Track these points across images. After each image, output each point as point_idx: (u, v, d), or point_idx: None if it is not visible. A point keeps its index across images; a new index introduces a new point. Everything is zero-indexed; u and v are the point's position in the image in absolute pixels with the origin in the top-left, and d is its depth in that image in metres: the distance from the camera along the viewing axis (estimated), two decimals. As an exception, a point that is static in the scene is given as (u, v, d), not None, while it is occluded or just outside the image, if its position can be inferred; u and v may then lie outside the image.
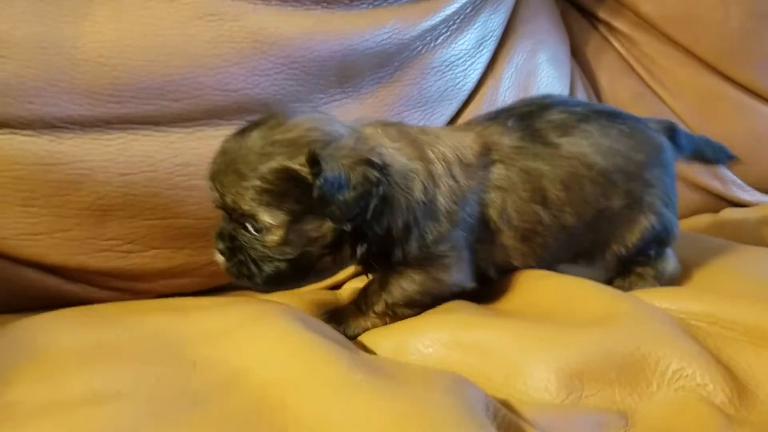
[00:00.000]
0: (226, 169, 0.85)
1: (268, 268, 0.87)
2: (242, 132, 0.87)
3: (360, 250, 0.92)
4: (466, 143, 0.99)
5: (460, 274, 0.96)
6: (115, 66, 1.02)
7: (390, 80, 1.29)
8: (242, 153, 0.84)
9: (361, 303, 0.97)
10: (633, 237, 1.05)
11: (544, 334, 0.85)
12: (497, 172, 0.98)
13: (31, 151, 0.97)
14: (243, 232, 0.87)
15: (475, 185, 0.96)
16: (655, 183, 1.06)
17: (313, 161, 0.82)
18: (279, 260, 0.87)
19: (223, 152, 0.87)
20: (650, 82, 1.72)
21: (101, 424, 0.60)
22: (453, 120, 1.39)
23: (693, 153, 1.21)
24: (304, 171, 0.83)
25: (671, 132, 1.16)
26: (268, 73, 1.14)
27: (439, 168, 0.94)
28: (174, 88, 1.07)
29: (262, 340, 0.78)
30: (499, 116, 1.07)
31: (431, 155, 0.94)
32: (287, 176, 0.83)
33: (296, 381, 0.68)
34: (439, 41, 1.35)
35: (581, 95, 1.68)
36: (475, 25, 1.42)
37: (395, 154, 0.91)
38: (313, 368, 0.70)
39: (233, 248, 0.88)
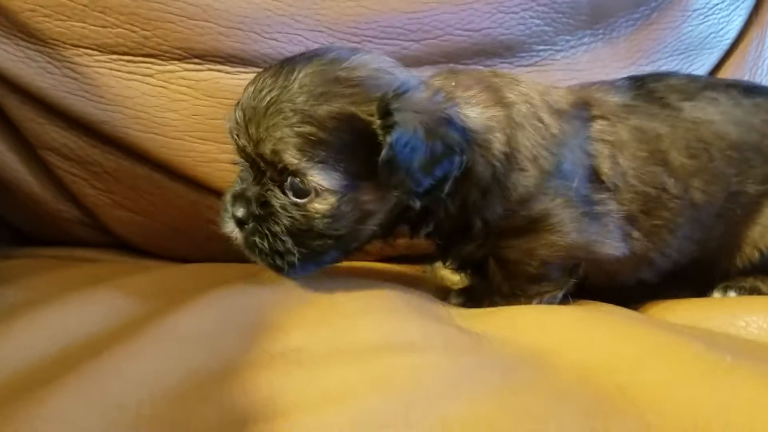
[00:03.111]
0: (265, 110, 0.64)
1: (306, 246, 0.66)
2: (283, 66, 0.66)
3: (424, 231, 0.73)
4: (557, 93, 0.79)
5: (583, 234, 0.74)
6: (359, 1, 0.93)
7: (646, 22, 1.11)
8: (290, 91, 0.64)
9: (489, 281, 0.78)
10: None
11: None
12: (599, 127, 0.77)
13: (273, 91, 0.91)
14: (278, 194, 0.66)
15: (570, 132, 0.75)
16: None
17: (386, 112, 0.63)
18: (324, 237, 0.66)
19: (258, 90, 0.65)
20: None
21: (408, 375, 0.49)
22: (713, 73, 1.18)
23: None
24: (374, 122, 0.63)
25: None
26: (515, 11, 1.01)
27: (522, 108, 0.74)
28: (416, 26, 0.97)
29: (551, 320, 0.65)
30: (605, 82, 0.86)
31: (511, 97, 0.74)
32: (350, 126, 0.63)
33: (630, 363, 0.54)
34: (703, -23, 1.15)
35: None
36: (741, -38, 1.20)
37: (470, 105, 0.72)
38: (653, 350, 0.55)
39: (258, 216, 0.67)
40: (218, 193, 0.92)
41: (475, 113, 0.72)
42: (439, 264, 0.90)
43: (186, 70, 0.89)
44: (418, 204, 0.68)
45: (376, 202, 0.67)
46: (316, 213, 0.66)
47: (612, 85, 0.84)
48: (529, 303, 0.75)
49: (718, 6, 1.17)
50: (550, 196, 0.73)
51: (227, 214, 0.69)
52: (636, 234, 0.78)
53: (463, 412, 0.44)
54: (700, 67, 1.15)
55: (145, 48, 0.88)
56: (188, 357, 0.55)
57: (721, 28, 1.18)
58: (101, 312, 0.66)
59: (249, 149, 0.66)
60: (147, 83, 0.89)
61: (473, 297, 0.78)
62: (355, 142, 0.64)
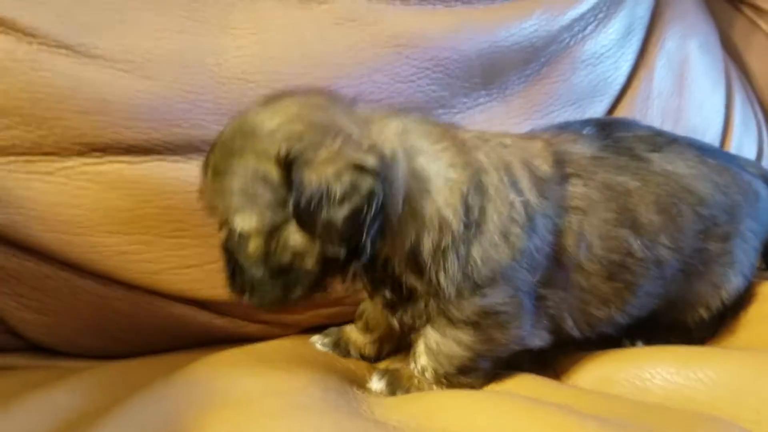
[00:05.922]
0: (217, 163, 0.72)
1: (256, 275, 0.71)
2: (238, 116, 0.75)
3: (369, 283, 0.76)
4: (535, 152, 0.79)
5: (518, 330, 0.76)
6: (259, 83, 0.95)
7: (537, 77, 1.17)
8: (222, 144, 0.72)
9: (413, 367, 0.80)
10: (719, 298, 0.86)
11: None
12: (573, 189, 0.77)
13: (179, 178, 0.91)
14: (231, 238, 0.73)
15: (549, 206, 0.75)
16: (749, 239, 0.86)
17: (286, 165, 0.66)
18: (266, 268, 0.71)
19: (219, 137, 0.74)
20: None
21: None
22: (606, 117, 1.25)
23: None
24: (277, 176, 0.67)
25: None
26: (411, 79, 1.05)
27: (493, 178, 0.73)
28: (317, 101, 0.98)
29: (463, 404, 0.68)
30: (570, 126, 0.88)
31: (484, 162, 0.74)
32: (260, 178, 0.68)
33: None
34: (587, 31, 1.22)
35: (736, 84, 1.50)
36: (622, 12, 1.28)
37: (431, 158, 0.72)
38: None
39: (229, 258, 0.74)
40: (127, 285, 0.92)
41: (426, 166, 0.71)
42: (350, 327, 0.91)
43: (86, 164, 0.88)
44: (343, 252, 0.67)
45: (302, 245, 0.69)
46: (251, 251, 0.71)
47: (578, 133, 0.84)
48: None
49: (605, 54, 1.25)
50: (509, 288, 0.73)
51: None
52: (570, 323, 0.80)
53: None
54: (593, 114, 1.22)
55: (44, 147, 0.87)
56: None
57: (610, 75, 1.26)
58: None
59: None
60: (47, 182, 0.87)
61: (395, 382, 0.79)
62: (268, 192, 0.68)
